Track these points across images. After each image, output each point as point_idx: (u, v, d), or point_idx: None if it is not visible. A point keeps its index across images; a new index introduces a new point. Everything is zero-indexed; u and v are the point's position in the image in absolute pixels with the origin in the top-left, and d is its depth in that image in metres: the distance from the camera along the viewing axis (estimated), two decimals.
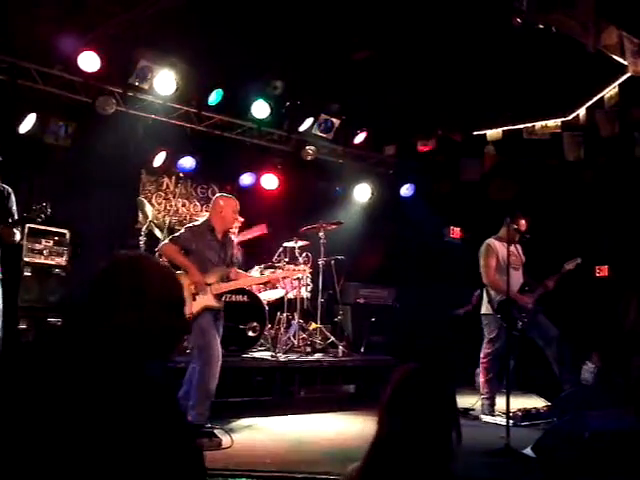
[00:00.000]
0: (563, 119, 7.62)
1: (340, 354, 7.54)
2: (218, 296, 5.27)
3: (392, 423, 1.81)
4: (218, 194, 5.76)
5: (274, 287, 7.59)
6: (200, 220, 5.53)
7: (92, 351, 1.54)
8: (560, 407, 5.71)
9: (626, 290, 7.13)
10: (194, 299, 5.11)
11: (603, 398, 5.30)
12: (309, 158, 8.77)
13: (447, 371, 1.93)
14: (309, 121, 8.37)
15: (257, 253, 8.05)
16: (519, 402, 6.76)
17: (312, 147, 8.74)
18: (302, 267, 6.99)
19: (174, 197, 8.67)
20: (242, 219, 7.72)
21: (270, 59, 7.20)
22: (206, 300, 5.16)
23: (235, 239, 7.18)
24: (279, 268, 7.37)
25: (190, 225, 5.47)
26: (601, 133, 7.09)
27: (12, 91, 6.79)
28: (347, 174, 9.49)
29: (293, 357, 7.15)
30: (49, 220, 7.00)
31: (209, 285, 5.20)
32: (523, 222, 6.24)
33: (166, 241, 5.32)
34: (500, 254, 6.25)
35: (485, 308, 6.40)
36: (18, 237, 5.45)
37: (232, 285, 5.46)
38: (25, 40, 6.56)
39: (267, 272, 7.23)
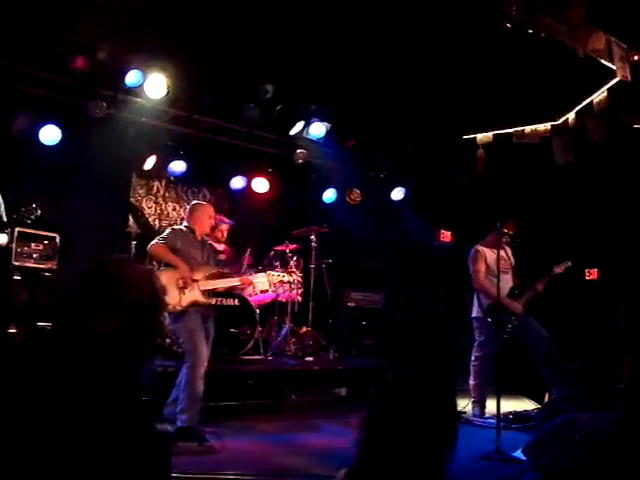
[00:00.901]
0: (553, 123, 7.67)
1: (331, 358, 7.56)
2: (205, 292, 5.37)
3: (380, 426, 1.78)
4: (194, 202, 5.97)
5: (263, 290, 7.61)
6: (181, 225, 5.73)
7: (67, 353, 1.55)
8: (551, 409, 5.73)
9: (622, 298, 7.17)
10: (183, 293, 5.22)
11: (589, 400, 5.33)
12: (300, 162, 8.77)
13: (444, 375, 1.90)
14: (300, 124, 8.37)
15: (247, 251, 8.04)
16: (510, 404, 6.78)
17: (303, 151, 8.75)
18: (280, 272, 6.93)
19: (165, 201, 8.65)
20: (232, 222, 7.76)
21: (260, 62, 7.20)
22: (194, 295, 5.27)
23: (221, 247, 7.22)
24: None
25: (174, 227, 5.68)
26: (590, 137, 7.13)
27: (3, 93, 6.76)
28: (338, 177, 9.49)
29: (284, 361, 7.15)
30: (39, 223, 7.00)
31: (196, 281, 5.32)
32: (512, 227, 6.28)
33: (154, 242, 5.43)
34: (489, 259, 6.30)
35: (475, 311, 6.43)
36: (5, 240, 5.42)
37: (218, 282, 5.56)
38: (18, 43, 6.54)
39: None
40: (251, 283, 6.63)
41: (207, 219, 5.57)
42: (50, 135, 7.08)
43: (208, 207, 5.69)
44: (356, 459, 1.78)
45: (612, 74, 6.31)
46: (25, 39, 6.50)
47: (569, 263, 6.43)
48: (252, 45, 6.74)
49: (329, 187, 9.41)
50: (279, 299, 7.79)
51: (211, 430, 5.11)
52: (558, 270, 6.40)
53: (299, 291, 7.92)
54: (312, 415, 6.49)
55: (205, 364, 5.07)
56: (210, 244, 5.85)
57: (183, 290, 5.23)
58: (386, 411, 1.77)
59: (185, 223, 5.67)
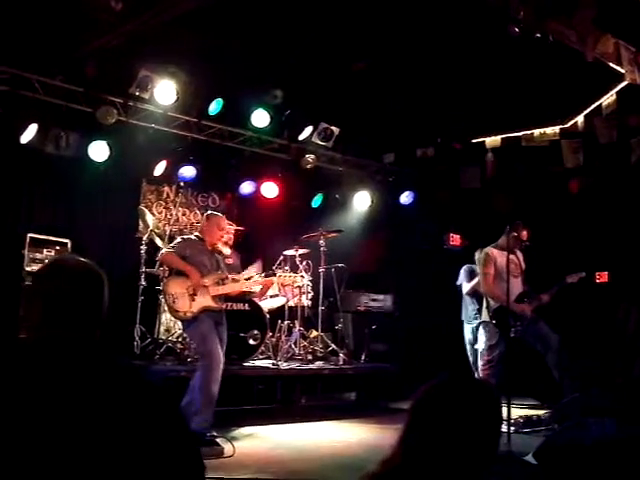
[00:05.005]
0: (561, 126, 7.66)
1: (341, 362, 7.55)
2: (216, 298, 5.46)
3: (422, 432, 1.72)
4: (208, 212, 6.16)
5: (273, 294, 7.64)
6: (192, 234, 5.98)
7: (89, 357, 1.58)
8: (561, 414, 5.71)
9: (625, 297, 7.16)
10: (193, 300, 5.32)
11: (600, 403, 5.31)
12: (309, 166, 8.80)
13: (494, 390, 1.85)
14: (308, 129, 8.40)
15: (257, 261, 8.07)
16: (520, 408, 6.77)
17: (312, 155, 8.77)
18: (291, 274, 7.02)
19: (174, 206, 8.68)
20: (241, 228, 7.79)
21: (269, 68, 7.24)
22: (205, 301, 5.37)
23: (228, 251, 7.27)
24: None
25: (184, 236, 5.90)
26: (599, 140, 7.12)
27: (13, 101, 6.81)
28: (347, 182, 9.52)
29: (294, 365, 7.16)
30: (50, 229, 7.06)
31: (206, 287, 5.41)
32: (524, 232, 6.26)
33: (164, 250, 5.73)
34: (498, 262, 6.26)
35: (485, 316, 6.42)
36: None
37: (228, 287, 5.67)
38: (26, 50, 6.60)
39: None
40: (272, 284, 6.77)
41: (216, 230, 5.69)
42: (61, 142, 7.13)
43: (220, 218, 5.81)
44: (394, 456, 1.73)
45: (621, 77, 6.31)
46: (33, 46, 6.55)
47: (583, 274, 6.37)
48: (261, 50, 6.78)
49: (337, 192, 9.43)
50: (289, 303, 7.81)
51: (222, 435, 5.14)
52: (571, 280, 6.36)
53: (309, 295, 7.94)
54: (322, 419, 6.51)
55: (221, 367, 5.14)
56: (220, 252, 5.95)
57: (193, 297, 5.33)
58: (432, 414, 1.73)
59: (196, 232, 5.88)
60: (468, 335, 7.92)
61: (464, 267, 7.92)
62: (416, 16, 6.20)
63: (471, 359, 7.52)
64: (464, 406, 1.69)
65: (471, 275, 7.81)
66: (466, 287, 7.86)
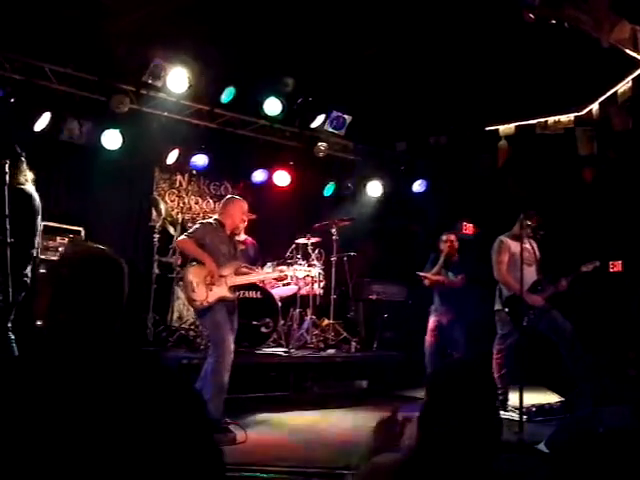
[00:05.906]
0: (576, 114, 7.58)
1: (353, 350, 7.58)
2: (232, 288, 5.43)
3: (435, 422, 1.78)
4: (229, 195, 6.07)
5: (285, 283, 7.65)
6: (211, 218, 5.71)
7: (104, 344, 1.58)
8: (574, 402, 5.70)
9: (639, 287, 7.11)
10: (210, 289, 5.28)
11: (614, 392, 5.30)
12: (321, 155, 8.78)
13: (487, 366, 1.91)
14: (321, 118, 8.38)
15: (270, 250, 8.08)
16: (532, 397, 6.75)
17: (324, 144, 8.75)
18: (306, 267, 7.09)
19: (187, 194, 8.72)
20: (254, 216, 7.78)
21: (281, 56, 7.21)
22: (221, 291, 5.32)
23: (244, 237, 7.26)
24: (291, 264, 7.42)
25: (202, 221, 5.70)
26: (614, 128, 7.05)
27: (27, 90, 6.84)
28: (359, 170, 9.50)
29: (306, 353, 7.20)
30: (64, 217, 7.10)
31: (224, 277, 5.36)
32: (537, 219, 6.21)
33: (182, 236, 5.53)
34: (512, 251, 6.22)
35: (498, 304, 6.39)
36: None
37: (245, 278, 5.67)
38: (39, 39, 6.62)
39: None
40: (286, 277, 6.78)
41: (240, 214, 5.57)
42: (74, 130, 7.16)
43: (243, 202, 5.66)
44: (417, 441, 1.79)
45: (637, 64, 6.23)
46: (45, 35, 6.56)
47: (597, 263, 6.31)
48: (272, 38, 6.75)
49: (350, 180, 9.41)
50: (301, 292, 7.82)
51: (234, 422, 5.16)
52: (585, 269, 6.31)
53: (321, 284, 7.94)
54: (334, 407, 6.52)
55: (232, 356, 5.15)
56: (237, 236, 5.86)
57: (211, 286, 5.28)
58: (444, 395, 1.80)
59: (216, 216, 5.68)
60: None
61: (432, 255, 7.49)
62: (430, 1, 6.16)
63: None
64: (455, 386, 1.79)
65: (433, 265, 7.37)
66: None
